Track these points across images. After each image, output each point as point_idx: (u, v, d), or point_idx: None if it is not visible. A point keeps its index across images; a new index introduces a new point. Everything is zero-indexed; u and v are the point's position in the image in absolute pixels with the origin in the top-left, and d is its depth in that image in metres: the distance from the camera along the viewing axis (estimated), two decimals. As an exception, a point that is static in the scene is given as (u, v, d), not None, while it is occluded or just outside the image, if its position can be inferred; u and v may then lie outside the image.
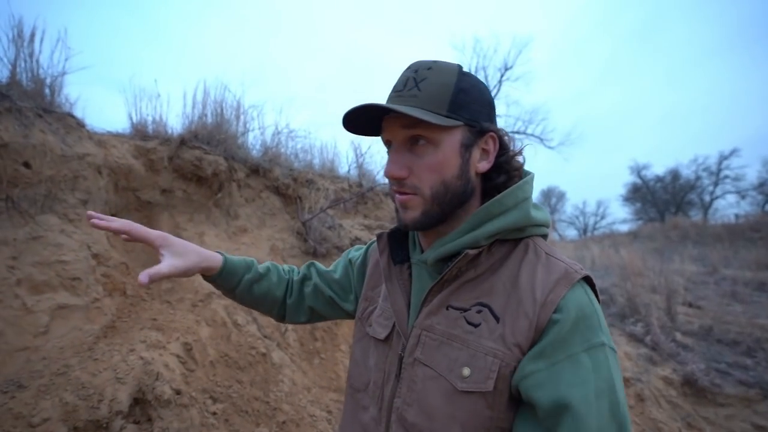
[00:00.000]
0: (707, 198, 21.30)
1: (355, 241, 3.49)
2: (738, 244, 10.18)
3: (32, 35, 2.25)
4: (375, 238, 0.77)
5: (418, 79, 0.58)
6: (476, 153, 0.61)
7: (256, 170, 3.31)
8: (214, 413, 1.79)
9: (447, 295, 0.60)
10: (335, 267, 0.90)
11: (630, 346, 3.80)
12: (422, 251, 0.69)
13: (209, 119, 3.10)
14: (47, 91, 2.27)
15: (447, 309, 0.59)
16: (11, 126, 1.86)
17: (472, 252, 0.57)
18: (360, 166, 4.59)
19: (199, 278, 0.78)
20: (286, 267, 0.91)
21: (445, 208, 0.60)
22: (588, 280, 0.57)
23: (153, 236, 0.70)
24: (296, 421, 2.03)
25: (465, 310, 0.58)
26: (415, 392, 0.58)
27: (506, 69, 15.79)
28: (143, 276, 0.60)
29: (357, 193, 4.20)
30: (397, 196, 0.62)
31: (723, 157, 20.03)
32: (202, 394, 1.81)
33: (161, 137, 2.79)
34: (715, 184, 20.80)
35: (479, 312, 0.56)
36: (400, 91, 0.59)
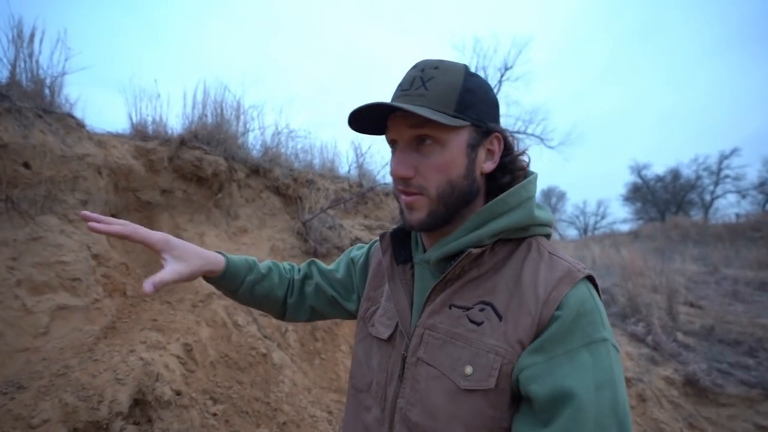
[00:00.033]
0: (708, 197, 21.38)
1: (356, 241, 3.48)
2: (739, 244, 10.17)
3: (32, 35, 2.25)
4: (377, 238, 0.76)
5: (425, 78, 0.57)
6: (482, 153, 0.61)
7: (256, 170, 3.31)
8: (215, 414, 1.78)
9: (450, 294, 0.60)
10: (337, 266, 0.89)
11: (631, 346, 3.80)
12: (425, 251, 0.68)
13: (209, 119, 3.09)
14: (47, 91, 2.27)
15: (450, 308, 0.59)
16: (11, 126, 1.86)
17: (475, 251, 0.57)
18: (360, 166, 4.59)
19: (199, 279, 0.77)
20: (286, 265, 0.90)
21: (451, 209, 0.60)
22: (591, 279, 0.56)
23: (154, 239, 0.68)
24: (297, 421, 2.03)
25: (468, 309, 0.57)
26: (418, 392, 0.58)
27: (506, 69, 15.84)
28: (148, 285, 0.59)
29: (357, 193, 4.19)
30: (403, 196, 0.61)
31: (723, 157, 20.11)
32: (202, 395, 1.81)
33: (161, 137, 2.79)
34: (716, 184, 20.86)
35: (482, 310, 0.56)
36: (406, 90, 0.58)
